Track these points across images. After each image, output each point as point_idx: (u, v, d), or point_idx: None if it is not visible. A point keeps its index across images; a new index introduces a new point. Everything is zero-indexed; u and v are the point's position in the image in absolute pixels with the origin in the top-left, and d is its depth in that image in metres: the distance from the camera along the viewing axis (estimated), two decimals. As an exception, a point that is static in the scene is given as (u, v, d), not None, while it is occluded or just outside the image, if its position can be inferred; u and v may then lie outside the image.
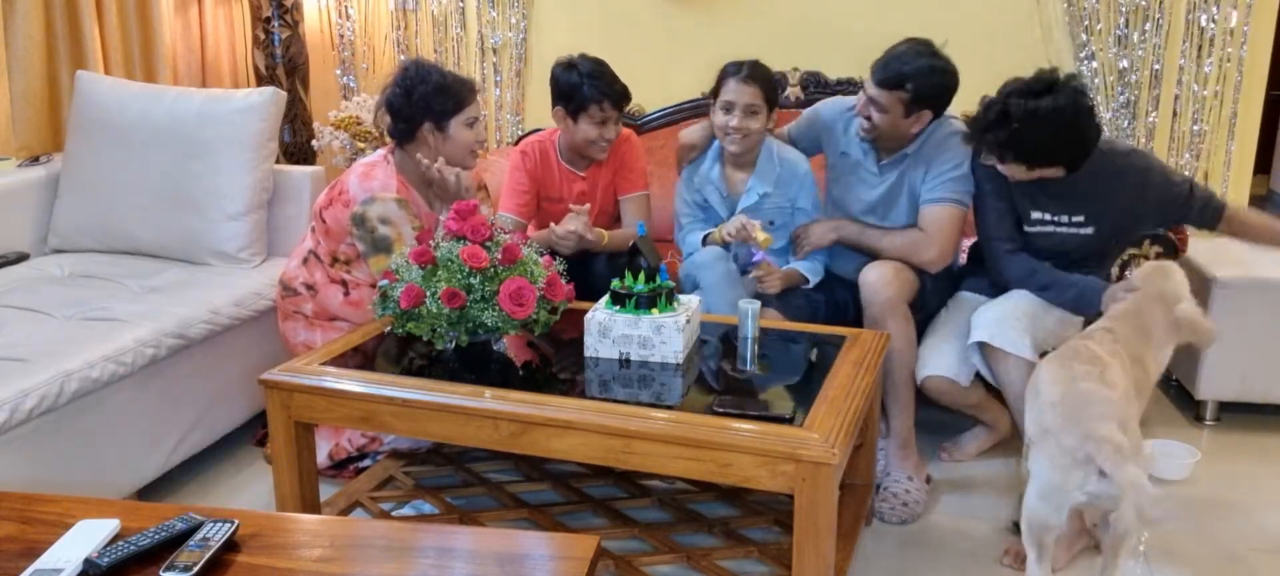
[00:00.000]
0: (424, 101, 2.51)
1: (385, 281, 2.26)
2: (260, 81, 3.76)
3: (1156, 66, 3.18)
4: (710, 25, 3.55)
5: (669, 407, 1.93)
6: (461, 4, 3.75)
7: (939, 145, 2.59)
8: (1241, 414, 3.05)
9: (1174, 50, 3.17)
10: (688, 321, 2.15)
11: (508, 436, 1.93)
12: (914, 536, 2.41)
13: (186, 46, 3.83)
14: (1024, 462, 2.17)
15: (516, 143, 3.65)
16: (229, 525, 1.45)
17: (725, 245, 2.64)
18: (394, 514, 2.41)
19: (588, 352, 2.17)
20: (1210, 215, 2.51)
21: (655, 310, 2.14)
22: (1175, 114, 3.21)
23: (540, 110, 3.76)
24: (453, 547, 1.46)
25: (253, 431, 2.87)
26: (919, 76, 2.46)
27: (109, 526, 1.44)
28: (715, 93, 2.66)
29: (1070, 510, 1.98)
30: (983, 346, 2.41)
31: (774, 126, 2.73)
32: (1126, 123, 3.18)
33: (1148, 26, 3.15)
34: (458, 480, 2.55)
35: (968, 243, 2.81)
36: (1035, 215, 2.52)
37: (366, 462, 2.66)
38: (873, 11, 3.38)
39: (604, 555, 1.90)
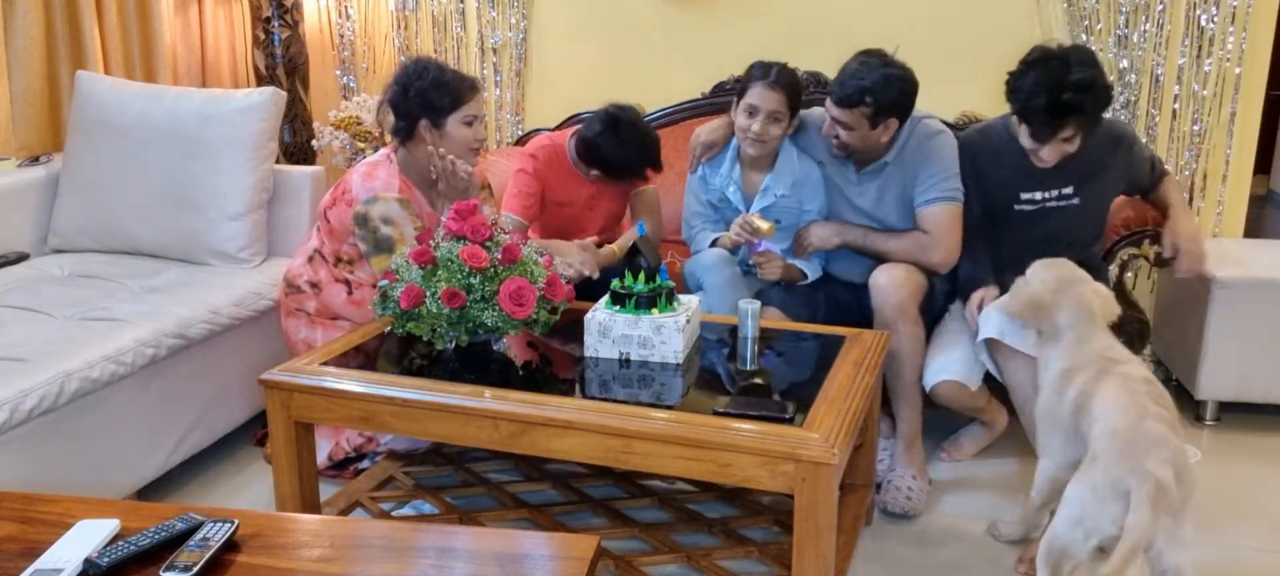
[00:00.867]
0: (421, 98, 2.50)
1: (385, 281, 2.26)
2: (260, 81, 3.76)
3: (1156, 66, 3.18)
4: (710, 25, 3.55)
5: (669, 407, 1.93)
6: (461, 4, 3.75)
7: (921, 147, 2.59)
8: (1241, 414, 3.05)
9: (1174, 50, 3.17)
10: (688, 321, 2.15)
11: (508, 436, 1.93)
12: (914, 536, 2.41)
13: (186, 46, 3.83)
14: (1040, 476, 2.18)
15: (518, 142, 3.67)
16: (229, 525, 1.45)
17: (733, 249, 2.64)
18: (394, 514, 2.41)
19: (588, 352, 2.17)
20: (1152, 183, 2.65)
21: (655, 310, 2.14)
22: (1175, 114, 3.20)
23: (540, 110, 3.76)
24: (453, 547, 1.46)
25: (253, 431, 2.87)
26: (877, 88, 2.47)
27: (109, 526, 1.44)
28: (740, 93, 2.66)
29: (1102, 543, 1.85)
30: (989, 343, 2.42)
31: (794, 129, 2.73)
32: (1126, 123, 3.18)
33: (1148, 26, 3.15)
34: (458, 480, 2.55)
35: None
36: (1025, 195, 2.55)
37: (365, 463, 2.66)
38: (873, 11, 3.37)
39: (604, 555, 1.90)
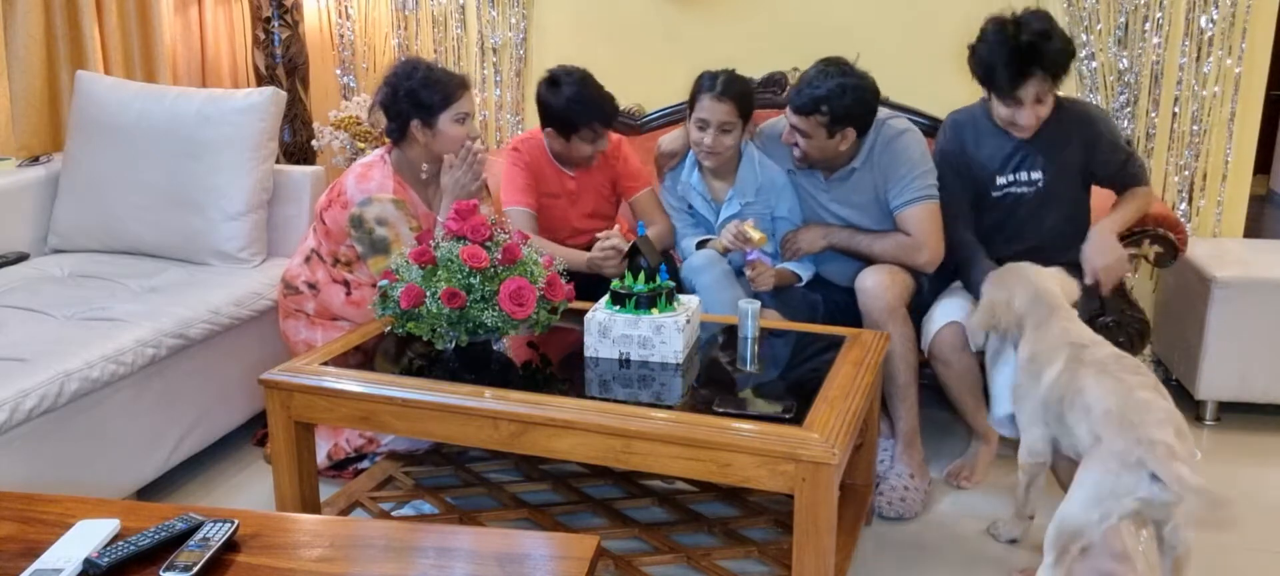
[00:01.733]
0: (411, 97, 2.50)
1: (385, 281, 2.26)
2: (260, 81, 3.76)
3: (1156, 66, 3.18)
4: (710, 25, 3.54)
5: (669, 407, 1.93)
6: (461, 4, 3.75)
7: (888, 149, 2.59)
8: (1241, 414, 3.05)
9: (1174, 50, 3.17)
10: (688, 321, 2.15)
11: (508, 436, 1.93)
12: (914, 536, 2.41)
13: (186, 46, 3.83)
14: (1022, 454, 2.21)
15: (508, 144, 3.67)
16: (229, 525, 1.45)
17: (724, 253, 2.64)
18: (394, 514, 2.41)
19: (588, 353, 2.17)
20: (1127, 182, 2.62)
21: (655, 310, 2.14)
22: (1175, 114, 3.20)
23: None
24: (453, 547, 1.46)
25: (253, 431, 2.87)
26: (832, 97, 2.47)
27: (109, 526, 1.44)
28: (690, 106, 2.66)
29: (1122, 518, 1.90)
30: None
31: (751, 133, 2.73)
32: (1127, 123, 3.18)
33: (1148, 26, 3.15)
34: (458, 480, 2.55)
35: None
36: (1001, 180, 2.60)
37: (365, 464, 2.66)
38: (871, 11, 3.37)
39: (604, 555, 1.90)
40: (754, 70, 3.12)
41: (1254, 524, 2.46)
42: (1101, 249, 2.49)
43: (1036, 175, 2.57)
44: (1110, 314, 2.65)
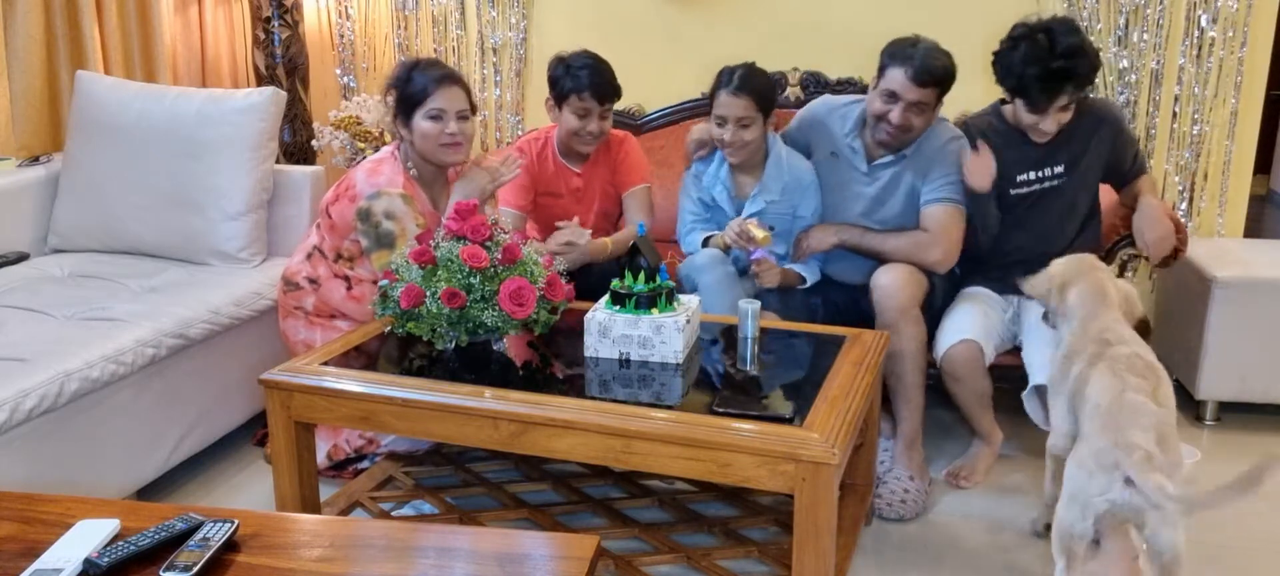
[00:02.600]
0: (396, 98, 2.53)
1: (385, 281, 2.26)
2: (260, 81, 3.76)
3: (1156, 66, 3.18)
4: (710, 25, 3.54)
5: (669, 407, 1.93)
6: (461, 4, 3.75)
7: (939, 148, 2.61)
8: (1241, 414, 3.05)
9: (1174, 50, 3.17)
10: (688, 321, 2.15)
11: (508, 436, 1.93)
12: (914, 536, 2.41)
13: (186, 46, 3.83)
14: (1048, 446, 2.22)
15: (514, 142, 3.67)
16: (229, 525, 1.45)
17: (726, 249, 2.64)
18: (394, 514, 2.41)
19: (588, 353, 2.17)
20: (1137, 173, 2.68)
21: (655, 310, 2.14)
22: (1175, 114, 3.20)
23: (540, 110, 3.75)
24: (453, 547, 1.46)
25: (253, 431, 2.87)
26: (951, 76, 2.54)
27: (109, 526, 1.44)
28: (710, 101, 2.66)
29: (1097, 520, 1.89)
30: (1038, 389, 2.44)
31: (775, 127, 2.73)
32: (1116, 104, 3.18)
33: (1148, 26, 3.15)
34: (458, 480, 2.55)
35: None
36: (1021, 177, 2.61)
37: (365, 464, 2.66)
38: (872, 11, 3.37)
39: (604, 555, 1.90)
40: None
41: (1254, 524, 2.46)
42: (1153, 221, 2.55)
43: (1058, 169, 2.60)
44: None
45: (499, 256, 2.20)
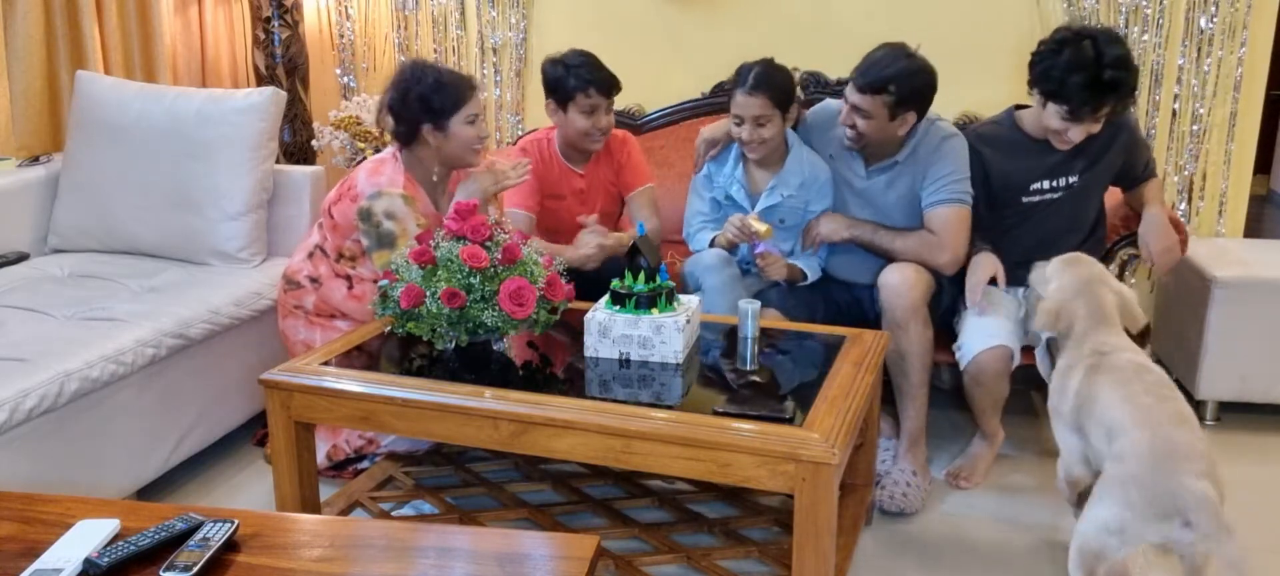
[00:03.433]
0: (421, 102, 2.50)
1: (385, 281, 2.26)
2: (260, 81, 3.76)
3: (1156, 66, 3.18)
4: (710, 25, 3.55)
5: (669, 407, 1.93)
6: (461, 4, 3.75)
7: (934, 149, 2.60)
8: (1241, 414, 3.05)
9: (1174, 50, 3.17)
10: (688, 321, 2.15)
11: (508, 436, 1.93)
12: (914, 536, 2.41)
13: (186, 46, 3.83)
14: (1060, 471, 2.17)
15: (515, 142, 3.67)
16: (229, 525, 1.45)
17: (732, 249, 2.64)
18: (394, 514, 2.41)
19: (588, 353, 2.17)
20: (1146, 177, 2.67)
21: (655, 310, 2.14)
22: (1175, 114, 3.21)
23: (540, 110, 3.75)
24: (453, 547, 1.46)
25: (253, 431, 2.87)
26: (900, 78, 2.47)
27: (109, 526, 1.44)
28: (729, 100, 2.66)
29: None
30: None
31: (797, 121, 2.71)
32: (1140, 130, 3.18)
33: (1147, 26, 3.15)
34: (458, 480, 2.55)
35: None
36: (1033, 186, 2.59)
37: (365, 464, 2.66)
38: (872, 12, 3.38)
39: (604, 555, 1.90)
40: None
41: (1254, 524, 2.46)
42: (1159, 234, 2.56)
43: (1073, 178, 2.58)
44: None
45: (499, 256, 2.20)
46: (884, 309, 2.51)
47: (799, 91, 3.44)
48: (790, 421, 1.82)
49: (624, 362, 2.14)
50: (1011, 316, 2.55)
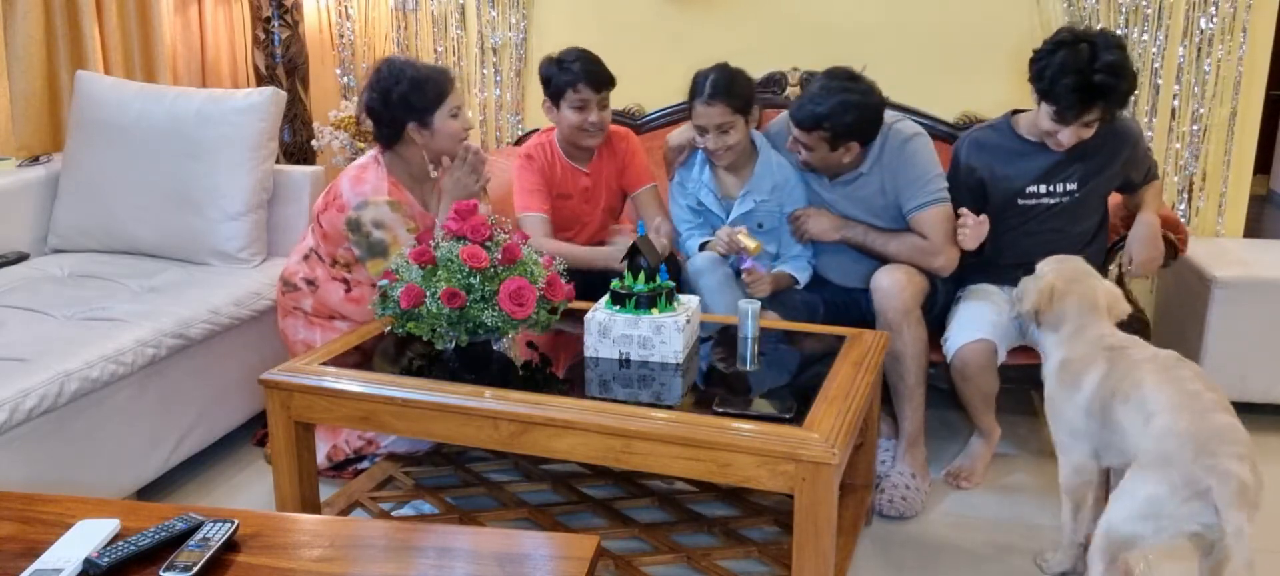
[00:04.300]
0: (403, 101, 2.49)
1: (385, 281, 2.26)
2: (260, 81, 3.76)
3: (1156, 66, 3.18)
4: (710, 25, 3.54)
5: (669, 407, 1.93)
6: (461, 4, 3.75)
7: (899, 153, 2.58)
8: (1242, 414, 3.01)
9: (1174, 50, 3.17)
10: (688, 321, 2.15)
11: (508, 436, 1.93)
12: (914, 536, 2.41)
13: (186, 46, 3.83)
14: (1065, 475, 2.14)
15: (518, 142, 3.67)
16: (229, 525, 1.45)
17: (724, 256, 2.64)
18: (394, 514, 2.41)
19: (588, 353, 2.17)
20: (1147, 181, 2.67)
21: (655, 310, 2.14)
22: (1175, 114, 3.20)
23: (540, 110, 3.75)
24: (453, 547, 1.46)
25: (253, 431, 2.87)
26: (835, 114, 2.47)
27: (109, 526, 1.44)
28: (689, 111, 2.66)
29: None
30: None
31: (759, 123, 2.72)
32: (1132, 120, 3.18)
33: (1148, 26, 3.15)
34: (458, 480, 2.55)
35: None
36: (1030, 189, 2.58)
37: (365, 464, 2.66)
38: (872, 11, 3.37)
39: (604, 555, 1.90)
40: (754, 70, 3.11)
41: (1254, 524, 2.45)
42: (1145, 243, 2.55)
43: (1072, 186, 2.56)
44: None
45: (499, 256, 2.20)
46: (877, 311, 2.51)
47: (799, 91, 3.45)
48: (790, 421, 1.82)
49: (624, 362, 2.14)
50: (1000, 310, 2.54)
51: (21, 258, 2.97)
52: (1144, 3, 3.13)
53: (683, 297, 2.24)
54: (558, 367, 2.24)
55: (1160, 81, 3.18)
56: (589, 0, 3.65)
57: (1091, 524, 2.09)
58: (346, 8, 3.90)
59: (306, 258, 2.65)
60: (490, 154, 3.57)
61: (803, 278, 2.73)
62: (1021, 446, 2.84)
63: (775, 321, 2.50)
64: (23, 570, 1.34)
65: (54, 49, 3.26)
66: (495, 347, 2.25)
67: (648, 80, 3.51)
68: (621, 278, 2.20)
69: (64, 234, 3.06)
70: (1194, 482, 1.79)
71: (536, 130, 3.50)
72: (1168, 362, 2.00)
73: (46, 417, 2.19)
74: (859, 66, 2.55)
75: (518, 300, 2.15)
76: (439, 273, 2.17)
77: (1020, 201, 2.59)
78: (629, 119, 3.52)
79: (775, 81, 3.34)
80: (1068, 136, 2.45)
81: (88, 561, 1.36)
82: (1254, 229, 3.64)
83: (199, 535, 1.42)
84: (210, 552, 1.38)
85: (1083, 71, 2.34)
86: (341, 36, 3.93)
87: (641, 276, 2.17)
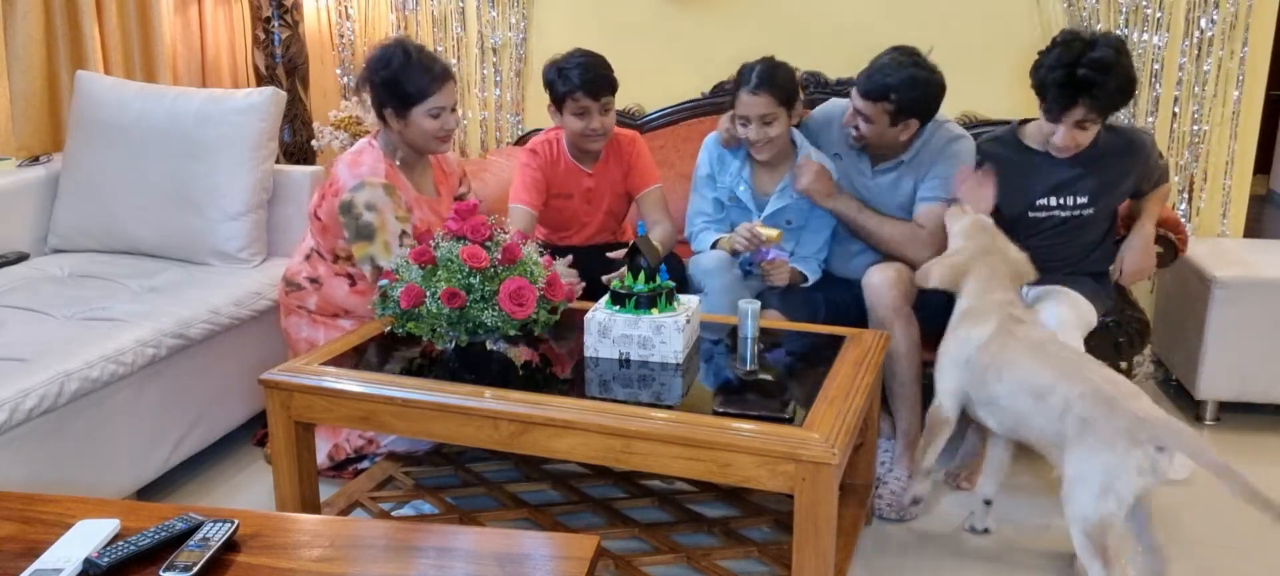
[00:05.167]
0: (387, 85, 2.48)
1: (385, 281, 2.26)
2: (260, 81, 3.76)
3: (1156, 66, 3.18)
4: (710, 25, 3.54)
5: (669, 407, 1.93)
6: (461, 4, 3.75)
7: (940, 150, 2.60)
8: (1241, 414, 3.05)
9: (1174, 50, 3.17)
10: (687, 321, 2.15)
11: (508, 436, 1.93)
12: (914, 536, 2.41)
13: (186, 46, 3.83)
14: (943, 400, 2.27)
15: (518, 142, 3.67)
16: (229, 525, 1.45)
17: (734, 253, 2.63)
18: (394, 514, 2.41)
19: (588, 353, 2.17)
20: (1155, 186, 2.66)
21: (655, 310, 2.14)
22: (1175, 114, 3.20)
23: (540, 110, 3.75)
24: (453, 547, 1.46)
25: (253, 431, 2.87)
26: (902, 87, 2.47)
27: (109, 526, 1.44)
28: (733, 102, 2.66)
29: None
30: None
31: (800, 118, 2.71)
32: (1126, 122, 3.18)
33: (1147, 26, 3.15)
34: (458, 480, 2.55)
35: None
36: (1040, 201, 2.57)
37: (365, 464, 2.66)
38: (873, 12, 3.37)
39: (604, 555, 1.90)
40: (754, 70, 3.13)
41: (1254, 524, 2.46)
42: (1139, 252, 2.57)
43: (1083, 200, 2.54)
44: (1110, 314, 2.65)
45: (499, 256, 2.20)
46: (868, 308, 2.51)
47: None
48: (790, 421, 1.82)
49: (624, 362, 2.14)
50: None
51: (21, 257, 2.97)
52: (1144, 3, 3.13)
53: (683, 298, 2.24)
54: (557, 368, 2.24)
55: (1160, 81, 3.18)
56: (589, 0, 3.65)
57: (947, 458, 2.36)
58: (346, 8, 3.90)
59: (308, 257, 2.65)
60: (490, 154, 3.57)
61: (812, 276, 2.73)
62: (1021, 446, 2.84)
63: (776, 321, 2.50)
64: (23, 570, 1.34)
65: (54, 49, 3.26)
66: (495, 348, 2.25)
67: (648, 80, 3.52)
68: (622, 277, 2.20)
69: (64, 234, 3.06)
70: (1131, 432, 1.89)
71: (537, 130, 3.51)
72: (1042, 339, 2.14)
73: (46, 417, 2.19)
74: (925, 49, 2.55)
75: (518, 300, 2.15)
76: (439, 272, 2.17)
77: (1031, 214, 2.57)
78: (629, 119, 3.52)
79: (790, 79, 3.33)
80: (1062, 137, 2.44)
81: (88, 561, 1.36)
82: (1254, 229, 3.64)
83: (199, 535, 1.42)
84: (210, 552, 1.38)
85: (1069, 66, 2.34)
86: (341, 36, 3.93)
87: (641, 276, 2.17)
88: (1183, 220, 3.06)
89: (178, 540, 1.41)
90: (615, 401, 1.97)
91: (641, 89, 3.51)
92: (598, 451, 1.88)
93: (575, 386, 2.11)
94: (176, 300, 2.62)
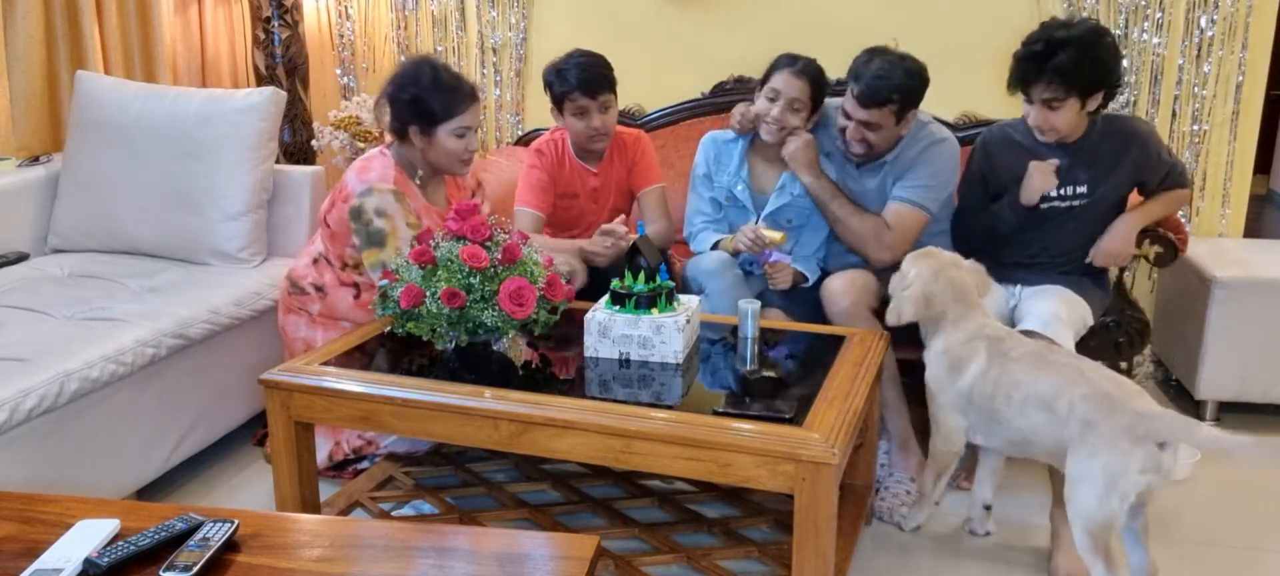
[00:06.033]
0: (414, 103, 2.47)
1: (385, 281, 2.26)
2: (260, 81, 3.76)
3: (1156, 66, 3.18)
4: (710, 25, 3.55)
5: (669, 407, 1.93)
6: (461, 4, 3.75)
7: (919, 154, 2.60)
8: (1241, 414, 3.05)
9: (1174, 50, 3.17)
10: (687, 321, 2.15)
11: (508, 436, 1.93)
12: (914, 536, 2.41)
13: (186, 46, 3.83)
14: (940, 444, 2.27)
15: (518, 142, 3.68)
16: (229, 525, 1.45)
17: (736, 254, 2.63)
18: (394, 514, 2.41)
19: (588, 353, 2.17)
20: (1168, 187, 2.62)
21: (655, 310, 2.14)
22: (1175, 114, 3.20)
23: (540, 110, 3.75)
24: (453, 547, 1.46)
25: (253, 431, 2.87)
26: (903, 86, 2.50)
27: (109, 526, 1.44)
28: (763, 80, 2.66)
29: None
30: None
31: (811, 126, 2.72)
32: (1149, 122, 3.17)
33: (1147, 26, 3.15)
34: (458, 480, 2.55)
35: None
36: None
37: (365, 464, 2.66)
38: (872, 12, 3.38)
39: (604, 555, 1.90)
40: (754, 71, 3.13)
41: (1255, 524, 2.46)
42: (1118, 237, 2.56)
43: (1081, 189, 2.54)
44: (1110, 314, 2.65)
45: (499, 256, 2.20)
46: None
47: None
48: (790, 421, 1.82)
49: (624, 362, 2.14)
50: (997, 309, 2.54)
51: (21, 258, 2.97)
52: (1144, 3, 3.13)
53: (683, 298, 2.24)
54: (557, 368, 2.24)
55: (1160, 81, 3.18)
56: (589, 0, 3.65)
57: (946, 487, 2.37)
58: (346, 8, 3.90)
59: (315, 262, 2.64)
60: (490, 154, 3.57)
61: (812, 275, 2.73)
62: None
63: (776, 321, 2.50)
64: (23, 570, 1.34)
65: (54, 49, 3.26)
66: (495, 348, 2.25)
67: (648, 80, 3.52)
68: (622, 277, 2.20)
69: (64, 234, 3.06)
70: (1132, 429, 1.89)
71: (536, 130, 3.52)
72: (1039, 349, 2.14)
73: (46, 417, 2.19)
74: (889, 42, 2.57)
75: (518, 300, 2.15)
76: (439, 272, 2.17)
77: (1039, 204, 2.58)
78: (629, 119, 3.52)
79: (826, 86, 3.31)
80: (1034, 117, 2.45)
81: (88, 561, 1.36)
82: (1254, 229, 3.64)
83: (199, 535, 1.42)
84: (210, 552, 1.38)
85: (1031, 42, 2.38)
86: (341, 36, 3.93)
87: (641, 276, 2.17)
88: (1183, 220, 3.06)
89: (178, 540, 1.41)
90: (615, 401, 1.97)
91: (641, 89, 3.51)
92: (598, 451, 1.88)
93: (575, 386, 2.11)
94: (176, 300, 2.62)
